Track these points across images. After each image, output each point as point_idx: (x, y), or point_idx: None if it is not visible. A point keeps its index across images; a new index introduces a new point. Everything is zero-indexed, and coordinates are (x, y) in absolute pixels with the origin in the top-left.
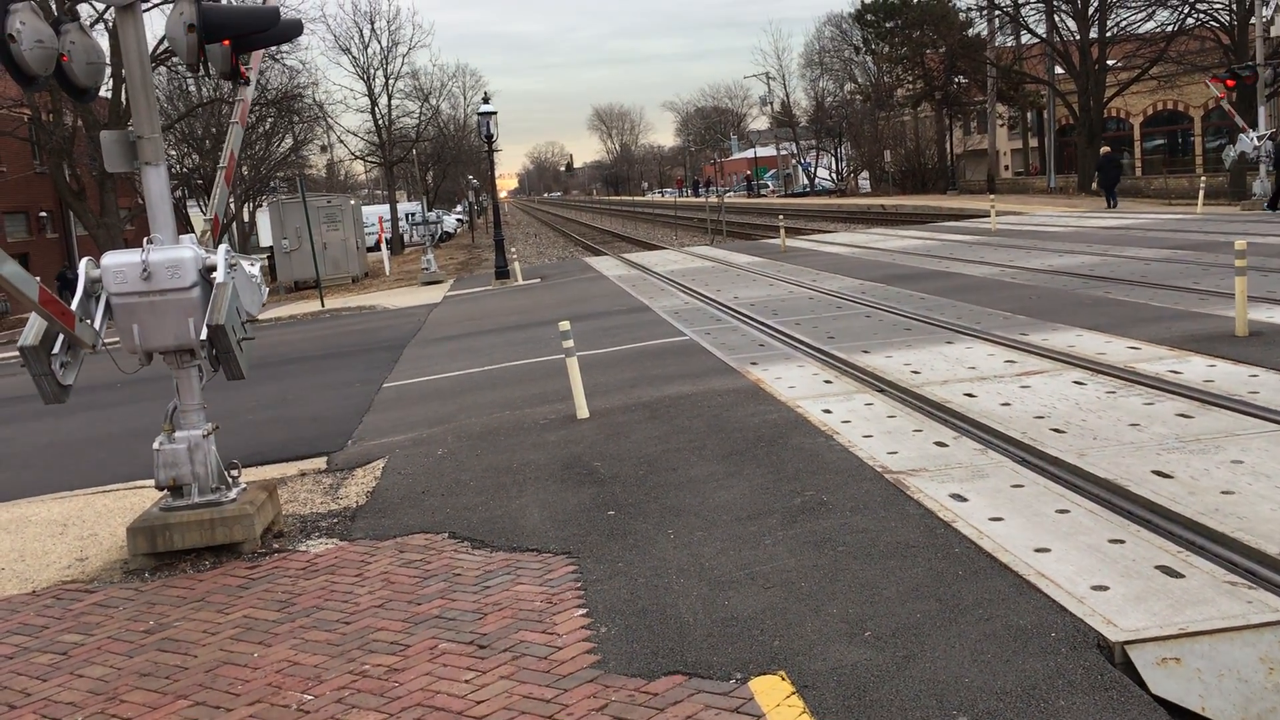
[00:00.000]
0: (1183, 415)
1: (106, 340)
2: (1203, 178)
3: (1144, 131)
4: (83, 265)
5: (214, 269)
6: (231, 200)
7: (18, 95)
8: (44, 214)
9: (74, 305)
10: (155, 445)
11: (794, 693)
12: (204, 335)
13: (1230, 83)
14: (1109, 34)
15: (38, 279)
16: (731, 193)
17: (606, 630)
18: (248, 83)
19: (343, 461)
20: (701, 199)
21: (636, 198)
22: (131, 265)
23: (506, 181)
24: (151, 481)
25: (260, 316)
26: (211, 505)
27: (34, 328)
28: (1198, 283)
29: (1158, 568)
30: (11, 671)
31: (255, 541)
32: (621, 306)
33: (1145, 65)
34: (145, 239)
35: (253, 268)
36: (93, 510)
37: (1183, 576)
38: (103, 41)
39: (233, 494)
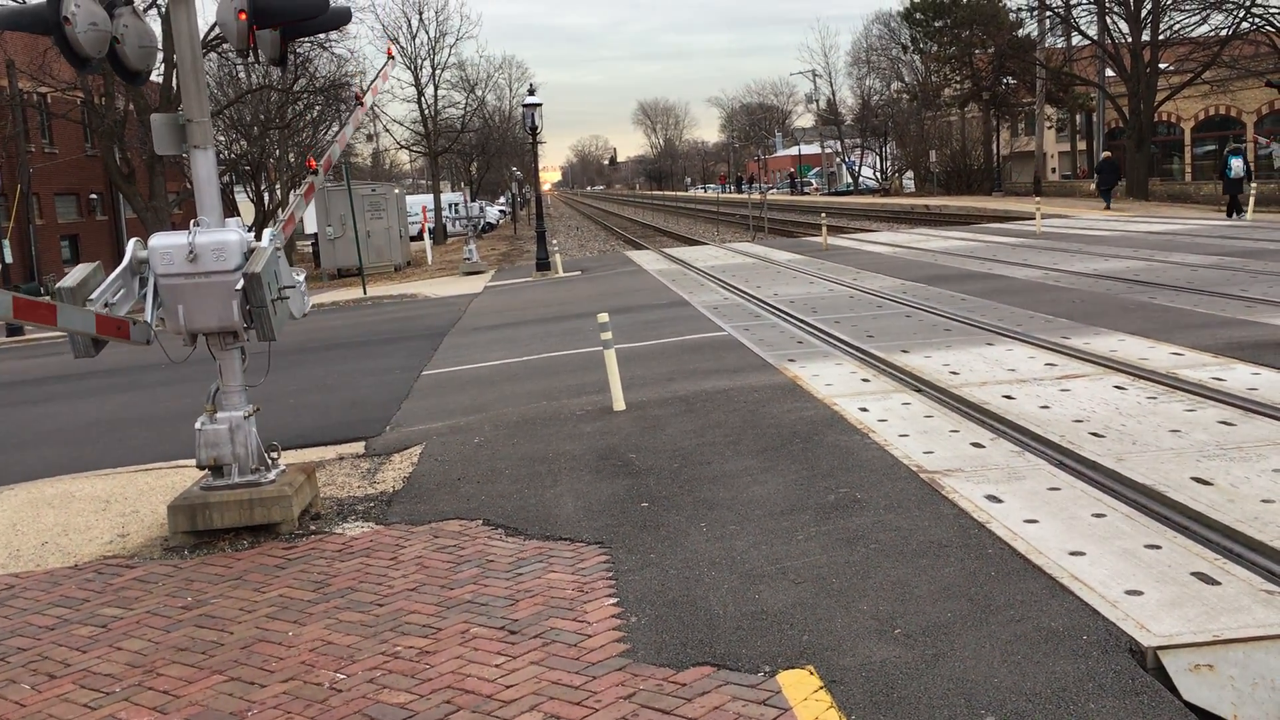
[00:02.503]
0: (1225, 423)
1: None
2: (1254, 184)
3: (1195, 136)
4: (130, 245)
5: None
6: (278, 186)
7: (71, 78)
8: (94, 196)
9: (112, 275)
10: (197, 425)
11: (822, 687)
12: (239, 285)
13: None
14: (1161, 37)
15: (92, 310)
16: (775, 190)
17: (637, 620)
18: (316, 173)
19: (381, 447)
20: (744, 195)
21: (679, 193)
22: (178, 247)
23: (550, 174)
24: (192, 461)
25: (305, 288)
26: (251, 486)
27: (75, 274)
28: (1245, 290)
29: (1194, 574)
30: (52, 642)
31: (293, 523)
32: (661, 301)
33: (1198, 69)
34: (192, 221)
35: (298, 275)
36: (135, 488)
37: (1219, 584)
38: (155, 26)
39: (272, 475)
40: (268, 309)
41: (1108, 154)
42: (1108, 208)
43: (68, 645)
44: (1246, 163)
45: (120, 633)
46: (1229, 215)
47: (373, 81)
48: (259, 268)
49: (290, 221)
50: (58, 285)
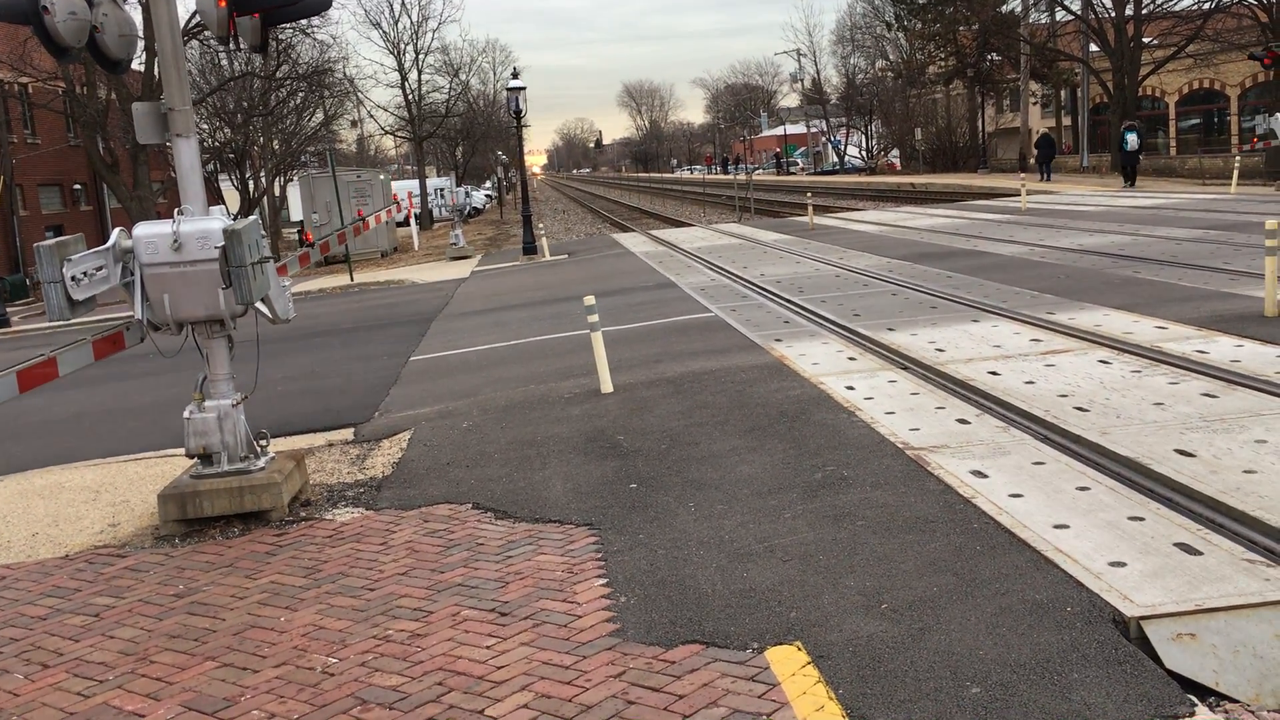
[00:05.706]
0: (1208, 395)
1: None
2: (1237, 157)
3: (1179, 110)
4: (115, 235)
5: None
6: (263, 175)
7: (52, 68)
8: (78, 186)
9: (94, 250)
10: (185, 414)
11: (809, 662)
12: (220, 244)
13: (1268, 60)
14: (1145, 11)
15: (89, 338)
16: (760, 170)
17: (626, 600)
18: (312, 246)
19: (369, 433)
20: (730, 176)
21: (665, 175)
22: (163, 236)
23: (536, 158)
24: (182, 450)
25: (290, 289)
26: (240, 473)
27: (58, 239)
28: (1228, 263)
29: (1176, 545)
30: (45, 632)
31: (283, 509)
32: (648, 283)
33: (1181, 43)
34: (176, 210)
35: (284, 283)
36: (124, 477)
37: (1201, 554)
38: (135, 15)
39: (261, 463)
40: (247, 270)
41: (1044, 131)
42: (1045, 179)
43: (60, 635)
44: (1140, 137)
45: (112, 621)
46: (1128, 184)
47: (378, 211)
48: (241, 227)
49: (283, 269)
50: (36, 245)
